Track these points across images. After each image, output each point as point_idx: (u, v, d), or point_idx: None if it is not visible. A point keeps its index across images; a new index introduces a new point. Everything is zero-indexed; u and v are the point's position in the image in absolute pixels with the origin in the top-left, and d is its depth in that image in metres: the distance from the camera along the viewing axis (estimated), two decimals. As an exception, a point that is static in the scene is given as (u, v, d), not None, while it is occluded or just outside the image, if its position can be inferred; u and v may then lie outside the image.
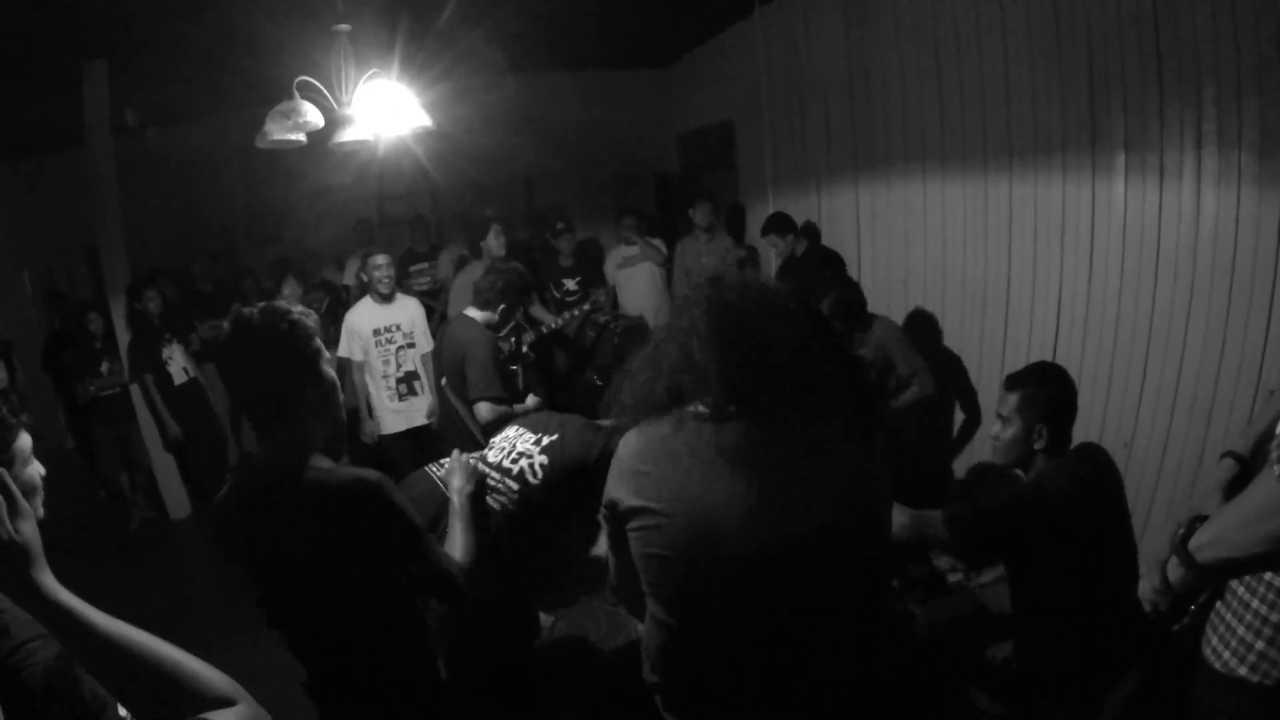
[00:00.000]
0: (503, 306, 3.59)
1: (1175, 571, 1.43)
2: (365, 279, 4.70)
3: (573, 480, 2.37)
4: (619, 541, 1.49)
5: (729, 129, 6.60)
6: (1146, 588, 1.50)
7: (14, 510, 0.87)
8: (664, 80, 7.69)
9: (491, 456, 2.50)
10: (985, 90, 3.85)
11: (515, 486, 2.38)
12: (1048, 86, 3.47)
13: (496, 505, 2.35)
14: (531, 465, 2.41)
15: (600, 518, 1.53)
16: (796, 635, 1.36)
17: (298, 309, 1.58)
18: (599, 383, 3.38)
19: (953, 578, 3.17)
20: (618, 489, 1.45)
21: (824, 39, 5.12)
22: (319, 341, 1.59)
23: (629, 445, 1.46)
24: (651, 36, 6.46)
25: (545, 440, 2.47)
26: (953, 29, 4.00)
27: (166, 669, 0.87)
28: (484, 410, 3.38)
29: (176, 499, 5.51)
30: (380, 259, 4.44)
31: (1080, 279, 3.51)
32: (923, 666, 2.36)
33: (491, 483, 2.41)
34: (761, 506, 1.31)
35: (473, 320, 3.58)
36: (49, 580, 0.87)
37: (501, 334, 3.69)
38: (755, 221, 6.36)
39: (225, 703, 0.87)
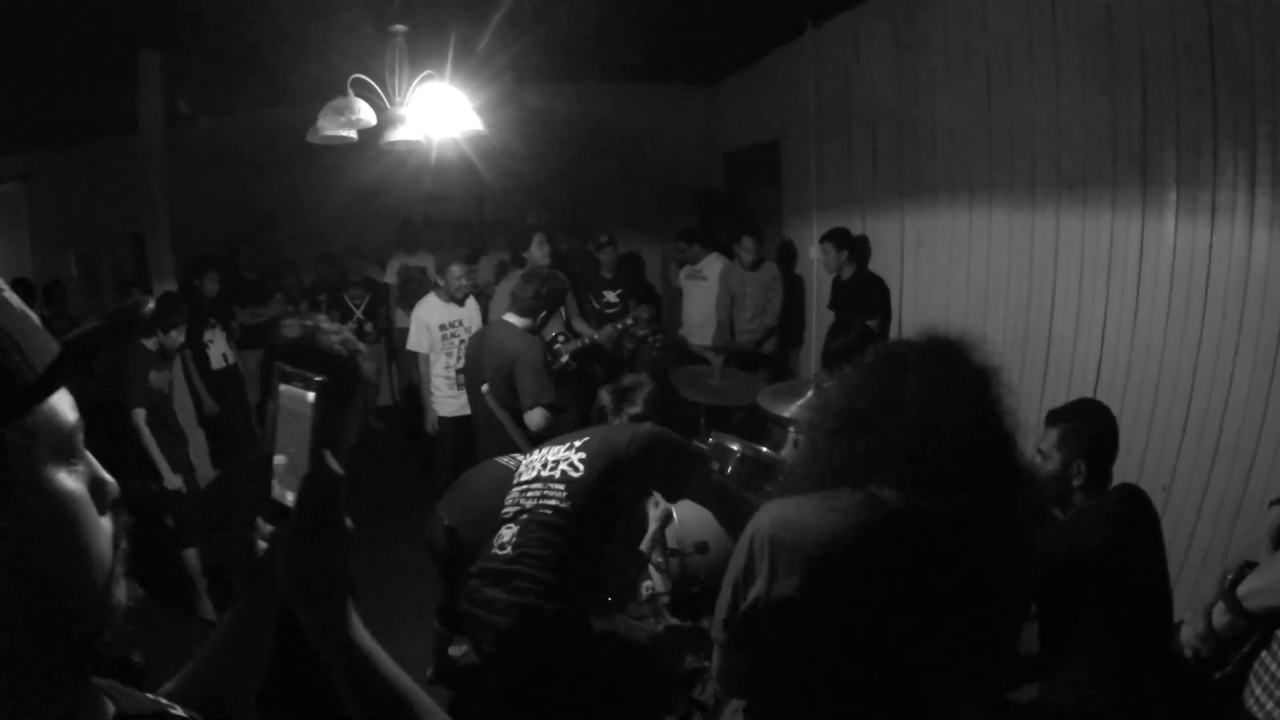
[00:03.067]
0: (543, 314, 3.65)
1: (1221, 618, 1.43)
2: (440, 283, 5.07)
3: (611, 469, 2.38)
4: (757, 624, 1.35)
5: (774, 149, 6.69)
6: (1190, 633, 1.50)
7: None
8: (711, 97, 7.80)
9: (525, 476, 2.53)
10: (1036, 120, 3.88)
11: (561, 487, 2.39)
12: (1099, 119, 3.50)
13: (549, 510, 2.36)
14: (570, 462, 2.43)
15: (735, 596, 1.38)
16: None
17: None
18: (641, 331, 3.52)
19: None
20: (776, 571, 1.30)
21: (874, 63, 5.19)
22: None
23: (787, 522, 1.32)
24: (700, 52, 6.58)
25: (577, 442, 2.50)
26: (1005, 57, 4.05)
27: None
28: (537, 417, 3.41)
29: (205, 473, 5.66)
30: (456, 269, 4.89)
31: (1125, 315, 3.52)
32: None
33: (533, 495, 2.43)
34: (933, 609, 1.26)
35: (515, 326, 3.62)
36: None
37: (543, 340, 3.77)
38: (797, 244, 6.45)
39: None
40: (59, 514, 0.57)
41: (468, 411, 4.52)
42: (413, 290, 6.16)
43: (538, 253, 5.04)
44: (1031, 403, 4.09)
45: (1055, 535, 2.13)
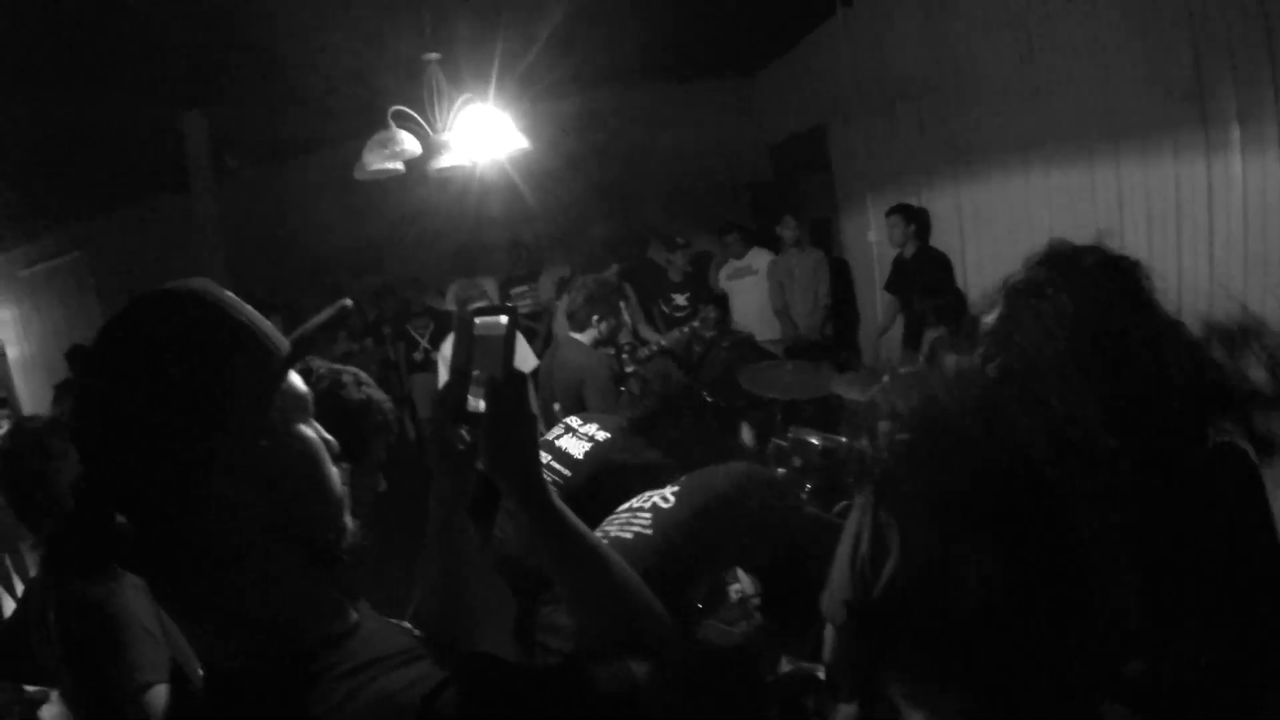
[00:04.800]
0: (596, 317, 3.63)
1: None
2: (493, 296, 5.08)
3: (705, 508, 2.24)
4: None
5: (820, 134, 6.68)
6: None
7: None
8: (751, 89, 7.84)
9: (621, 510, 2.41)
10: (1082, 71, 3.82)
11: (647, 517, 2.26)
12: (1149, 62, 3.43)
13: (630, 535, 2.24)
14: (663, 495, 2.31)
15: None
16: None
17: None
18: (709, 398, 3.45)
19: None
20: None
21: (908, 33, 5.16)
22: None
23: None
24: (734, 46, 6.63)
25: (672, 484, 2.37)
26: (1042, 8, 4.00)
27: (621, 598, 0.90)
28: None
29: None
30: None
31: (1201, 264, 3.42)
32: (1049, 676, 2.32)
33: (617, 522, 2.31)
34: None
35: (581, 343, 3.65)
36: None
37: (613, 348, 3.77)
38: (852, 229, 6.43)
39: (650, 653, 0.86)
40: (306, 452, 0.80)
41: None
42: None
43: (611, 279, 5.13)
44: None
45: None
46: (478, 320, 0.96)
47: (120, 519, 0.72)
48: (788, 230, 5.92)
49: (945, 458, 1.12)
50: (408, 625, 0.99)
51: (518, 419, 0.88)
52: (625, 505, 2.36)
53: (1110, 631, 1.24)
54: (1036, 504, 1.05)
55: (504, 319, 0.92)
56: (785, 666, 2.67)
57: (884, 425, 1.15)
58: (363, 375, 1.73)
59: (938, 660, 1.21)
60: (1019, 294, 1.26)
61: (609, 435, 2.58)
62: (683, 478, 2.37)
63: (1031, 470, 1.04)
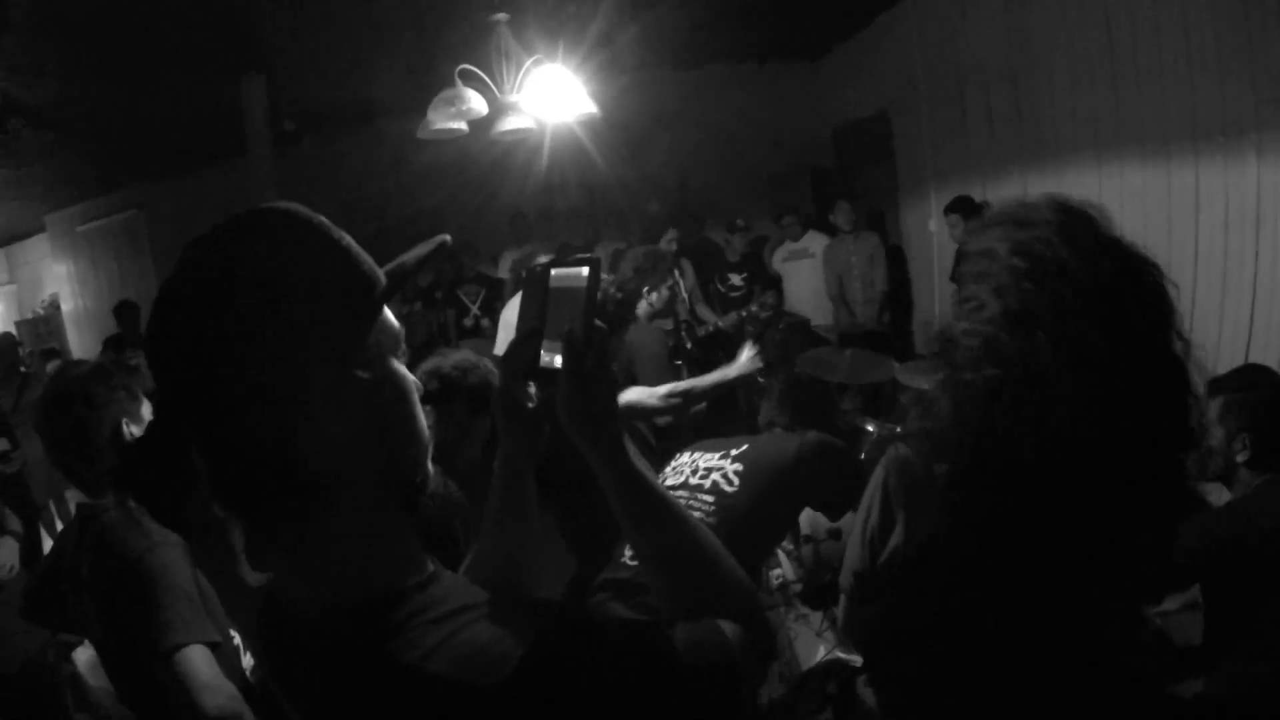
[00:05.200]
0: (647, 289, 3.46)
1: None
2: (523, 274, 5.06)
3: (773, 487, 2.14)
4: None
5: (884, 121, 6.58)
6: None
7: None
8: (815, 73, 7.74)
9: (671, 480, 2.30)
10: (1164, 65, 3.70)
11: (710, 499, 2.14)
12: (1236, 59, 3.31)
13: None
14: (725, 474, 2.19)
15: None
16: None
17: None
18: (761, 380, 3.36)
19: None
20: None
21: (982, 20, 5.04)
22: None
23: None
24: (800, 29, 6.55)
25: (734, 451, 2.26)
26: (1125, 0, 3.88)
27: (704, 558, 0.86)
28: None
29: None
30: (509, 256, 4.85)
31: (1279, 273, 3.32)
32: (1099, 695, 2.29)
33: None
34: None
35: (644, 324, 3.48)
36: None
37: (668, 321, 3.65)
38: (913, 218, 6.33)
39: (740, 620, 0.82)
40: (399, 389, 0.77)
41: None
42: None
43: (665, 248, 5.12)
44: (1172, 371, 3.90)
45: (1223, 516, 2.02)
46: (554, 272, 0.91)
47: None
48: (841, 216, 5.85)
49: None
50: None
51: (599, 375, 0.83)
52: (681, 478, 2.25)
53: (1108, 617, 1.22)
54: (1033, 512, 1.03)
55: (585, 270, 0.86)
56: (822, 655, 2.64)
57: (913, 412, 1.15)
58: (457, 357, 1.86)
59: (927, 634, 1.24)
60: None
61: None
62: (746, 446, 2.26)
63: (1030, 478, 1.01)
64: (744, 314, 5.40)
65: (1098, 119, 4.21)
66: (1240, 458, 2.02)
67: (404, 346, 0.80)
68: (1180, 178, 3.75)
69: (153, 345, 0.70)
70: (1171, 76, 3.68)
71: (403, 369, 0.78)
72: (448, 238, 0.83)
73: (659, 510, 0.86)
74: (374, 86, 5.39)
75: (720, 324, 5.27)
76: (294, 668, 0.78)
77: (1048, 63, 4.51)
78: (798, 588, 2.83)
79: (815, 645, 2.73)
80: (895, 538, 1.27)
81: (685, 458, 2.36)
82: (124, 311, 6.48)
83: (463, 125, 3.29)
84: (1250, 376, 2.13)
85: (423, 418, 0.80)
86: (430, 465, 0.81)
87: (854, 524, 1.39)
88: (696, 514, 2.07)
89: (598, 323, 0.84)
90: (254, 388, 0.66)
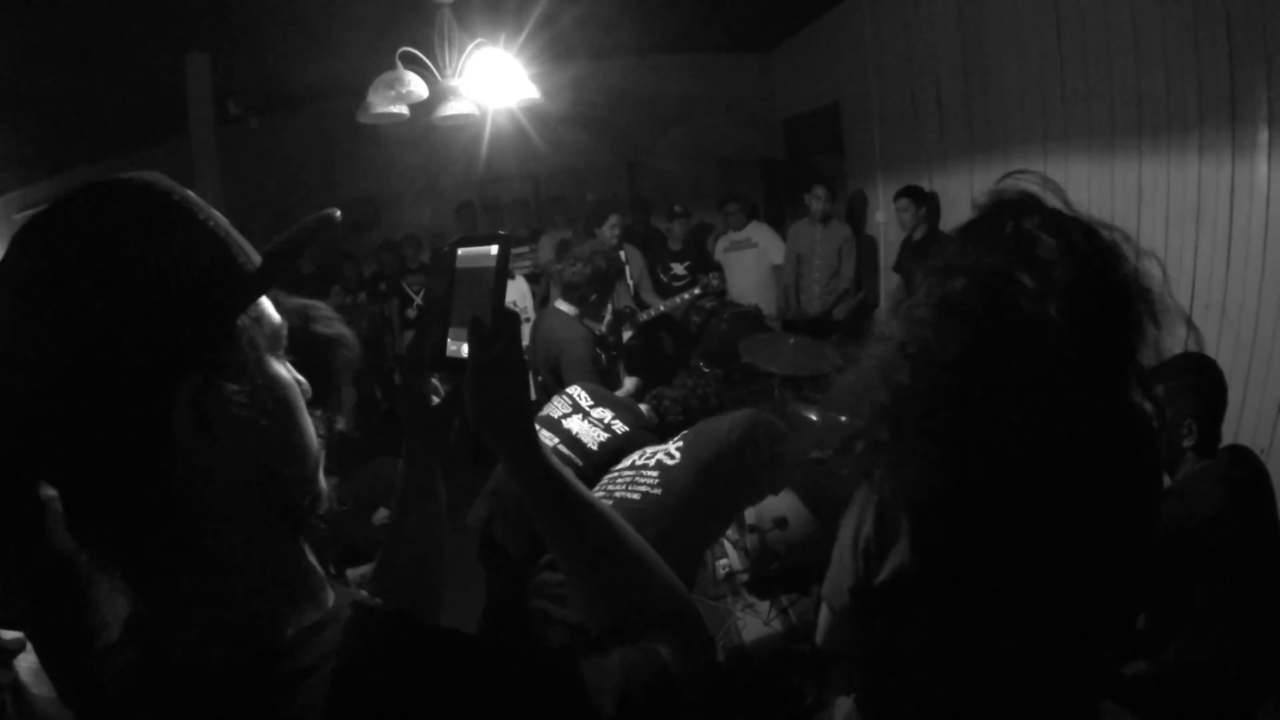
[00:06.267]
0: (594, 296, 3.49)
1: None
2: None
3: (713, 460, 2.15)
4: None
5: (835, 112, 6.61)
6: None
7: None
8: (767, 64, 7.77)
9: (619, 464, 2.33)
10: (1112, 63, 3.76)
11: (654, 475, 2.15)
12: (1182, 58, 3.37)
13: (638, 496, 2.12)
14: (667, 452, 2.21)
15: None
16: None
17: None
18: (705, 369, 3.34)
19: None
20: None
21: (934, 15, 5.09)
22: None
23: None
24: (754, 18, 6.55)
25: (675, 438, 2.29)
26: (1075, -2, 3.94)
27: (635, 565, 0.79)
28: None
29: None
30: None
31: (1217, 267, 3.40)
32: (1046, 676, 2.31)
33: (622, 481, 2.20)
34: None
35: (566, 315, 3.48)
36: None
37: (601, 325, 3.66)
38: (866, 206, 6.37)
39: (671, 628, 0.75)
40: (278, 397, 0.64)
41: None
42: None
43: (608, 234, 5.05)
44: (1116, 364, 3.99)
45: (1166, 500, 2.05)
46: (460, 252, 0.83)
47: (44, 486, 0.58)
48: (817, 201, 5.70)
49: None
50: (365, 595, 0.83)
51: (508, 366, 0.76)
52: (628, 462, 2.29)
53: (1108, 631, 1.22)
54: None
55: (493, 248, 0.78)
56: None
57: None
58: (327, 309, 1.61)
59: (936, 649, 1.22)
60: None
61: (627, 430, 2.49)
62: (687, 430, 2.29)
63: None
64: (687, 297, 5.35)
65: (1045, 114, 4.27)
66: (1187, 443, 2.07)
67: (285, 343, 0.68)
68: (1124, 173, 3.82)
69: None
70: (1118, 74, 3.74)
71: (284, 372, 0.66)
72: (336, 212, 0.70)
73: (578, 511, 0.78)
74: (317, 69, 5.23)
75: (664, 308, 5.22)
76: None
77: (998, 56, 4.56)
78: (744, 577, 2.83)
79: (763, 634, 2.73)
80: (899, 555, 1.21)
81: (632, 456, 2.35)
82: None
83: (404, 109, 3.21)
84: (1192, 362, 2.17)
85: (311, 428, 0.68)
86: (322, 481, 0.69)
87: (841, 535, 1.33)
88: (641, 489, 2.10)
89: (508, 305, 0.78)
90: (99, 407, 0.54)
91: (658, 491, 2.08)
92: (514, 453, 0.77)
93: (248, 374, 0.61)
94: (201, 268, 0.59)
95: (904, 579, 1.19)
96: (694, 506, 2.09)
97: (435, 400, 0.88)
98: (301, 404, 0.68)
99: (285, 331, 0.68)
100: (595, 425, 2.51)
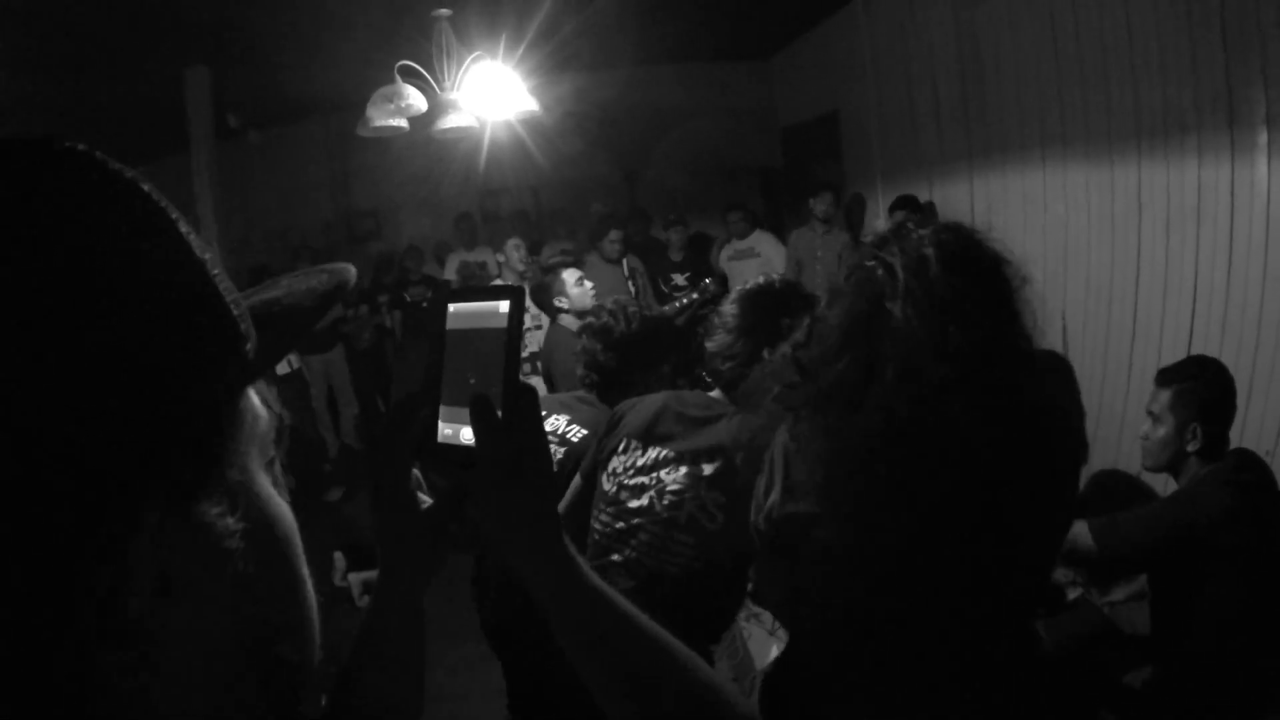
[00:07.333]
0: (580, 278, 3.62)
1: None
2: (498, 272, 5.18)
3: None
4: None
5: (834, 121, 6.64)
6: None
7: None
8: (765, 73, 7.80)
9: (630, 501, 1.92)
10: (1108, 67, 3.78)
11: (688, 540, 1.81)
12: (1178, 60, 3.39)
13: (676, 569, 1.83)
14: (702, 505, 1.83)
15: None
16: None
17: None
18: (708, 379, 3.34)
19: (1072, 593, 3.10)
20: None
21: (932, 21, 5.12)
22: None
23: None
24: (751, 28, 6.59)
25: (707, 467, 1.85)
26: (1069, 2, 3.96)
27: (696, 681, 0.63)
28: None
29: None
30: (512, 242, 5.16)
31: (1219, 270, 3.41)
32: (1050, 687, 2.31)
33: (643, 541, 1.86)
34: None
35: (564, 328, 3.57)
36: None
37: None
38: (865, 215, 6.39)
39: None
40: (273, 530, 0.46)
41: None
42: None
43: (609, 249, 5.13)
44: (1119, 367, 3.99)
45: (1171, 506, 2.07)
46: (452, 309, 0.64)
47: None
48: (821, 206, 5.70)
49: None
50: None
51: (533, 461, 0.58)
52: (644, 500, 1.90)
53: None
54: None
55: (503, 305, 0.60)
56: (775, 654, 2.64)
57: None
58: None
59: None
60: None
61: (585, 435, 2.35)
62: (720, 462, 1.85)
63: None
64: (685, 302, 5.35)
65: (1044, 119, 4.29)
66: (1191, 447, 2.07)
67: (275, 446, 0.49)
68: (1123, 177, 3.84)
69: None
70: (1115, 78, 3.76)
71: (279, 501, 0.47)
72: (351, 270, 0.56)
73: (627, 634, 0.61)
74: (317, 82, 5.26)
75: (665, 310, 5.26)
76: None
77: (995, 62, 4.58)
78: (749, 586, 2.83)
79: (768, 644, 2.74)
80: (774, 496, 1.35)
81: (637, 456, 1.95)
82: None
83: (403, 122, 3.24)
84: (1198, 366, 2.18)
85: (307, 578, 0.49)
86: (318, 646, 0.50)
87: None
88: (680, 561, 1.82)
89: (524, 379, 0.59)
90: (28, 529, 0.34)
91: (698, 565, 1.82)
92: (544, 578, 0.60)
93: (230, 502, 0.41)
94: (176, 325, 0.40)
95: (800, 520, 1.24)
96: (733, 573, 1.88)
97: (423, 498, 0.67)
98: (298, 538, 0.49)
99: (273, 425, 0.49)
100: (553, 443, 2.34)
